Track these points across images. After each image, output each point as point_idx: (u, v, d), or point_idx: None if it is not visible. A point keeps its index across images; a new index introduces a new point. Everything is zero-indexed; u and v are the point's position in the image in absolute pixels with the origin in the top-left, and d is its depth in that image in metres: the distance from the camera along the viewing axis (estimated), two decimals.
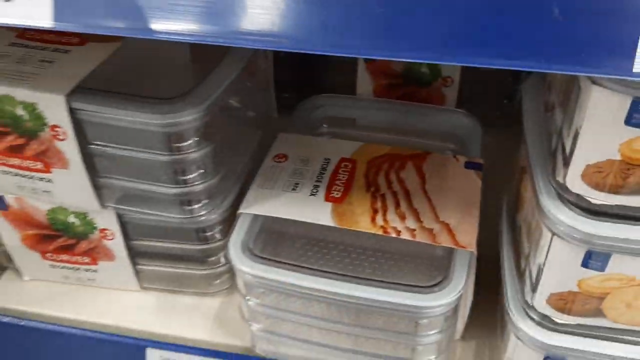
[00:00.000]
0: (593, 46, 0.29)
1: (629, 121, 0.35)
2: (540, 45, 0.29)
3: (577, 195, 0.39)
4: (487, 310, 0.57)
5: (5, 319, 0.62)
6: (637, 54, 0.30)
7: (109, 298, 0.62)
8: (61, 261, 0.62)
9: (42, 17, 0.35)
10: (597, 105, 0.35)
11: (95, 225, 0.57)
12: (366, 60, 0.75)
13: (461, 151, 0.62)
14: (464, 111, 0.67)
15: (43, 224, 0.58)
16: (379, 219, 0.52)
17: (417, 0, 0.30)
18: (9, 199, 0.57)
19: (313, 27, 0.32)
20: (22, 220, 0.59)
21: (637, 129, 0.35)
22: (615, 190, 0.38)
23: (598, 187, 0.38)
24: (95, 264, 0.61)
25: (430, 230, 0.51)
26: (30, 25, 0.36)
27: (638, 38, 0.30)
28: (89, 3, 0.33)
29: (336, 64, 0.77)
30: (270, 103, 0.69)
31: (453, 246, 0.50)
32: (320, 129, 0.68)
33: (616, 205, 0.38)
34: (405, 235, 0.51)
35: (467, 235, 0.51)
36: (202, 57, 0.54)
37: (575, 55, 0.30)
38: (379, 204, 0.54)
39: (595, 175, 0.38)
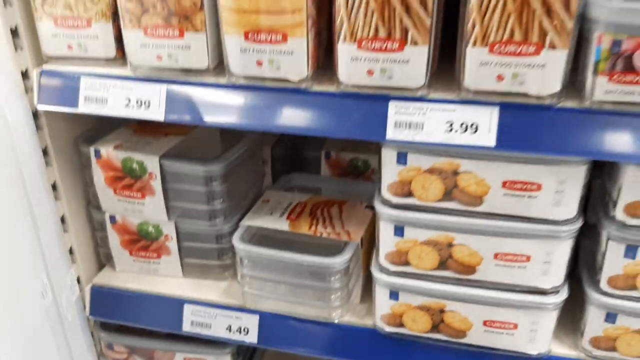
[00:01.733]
0: (366, 125, 0.78)
1: (398, 162, 0.83)
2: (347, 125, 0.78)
3: (386, 199, 0.86)
4: None
5: (106, 290, 1.09)
6: (387, 129, 0.79)
7: (164, 280, 1.09)
8: (140, 257, 1.09)
9: (157, 114, 0.86)
10: (386, 155, 0.84)
11: (163, 232, 1.05)
12: (326, 157, 1.25)
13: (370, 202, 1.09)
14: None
15: (134, 232, 1.07)
16: (313, 228, 0.99)
17: None
18: (118, 217, 1.06)
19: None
20: (123, 230, 1.07)
21: (403, 166, 0.83)
22: (402, 195, 0.85)
23: (395, 195, 0.85)
24: (160, 257, 1.08)
25: (339, 233, 0.98)
26: (149, 118, 0.86)
27: (386, 122, 0.78)
28: (195, 107, 0.84)
29: (308, 160, 1.27)
30: (263, 173, 1.19)
31: (348, 240, 0.96)
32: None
33: (403, 203, 0.85)
34: (325, 235, 0.98)
35: (356, 235, 0.97)
36: (226, 142, 1.05)
37: (356, 130, 0.79)
38: (314, 222, 1.01)
39: (393, 189, 0.85)
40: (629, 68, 0.67)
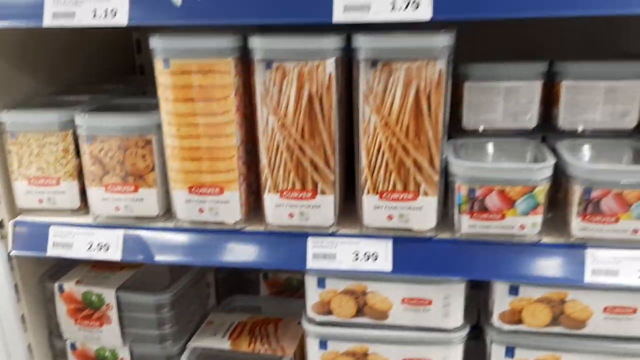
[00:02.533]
0: (291, 257, 0.97)
1: (318, 286, 1.01)
2: None
3: (311, 318, 1.03)
4: None
5: None
6: (307, 259, 0.97)
7: None
8: None
9: (115, 255, 1.02)
10: (308, 281, 1.01)
11: (118, 356, 1.18)
12: (264, 278, 1.42)
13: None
14: None
15: (92, 357, 1.19)
16: (252, 345, 1.14)
17: None
18: (78, 344, 1.18)
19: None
20: (82, 356, 1.19)
21: (322, 289, 1.01)
22: (324, 313, 1.02)
23: (318, 313, 1.02)
24: None
25: (275, 349, 1.14)
26: (108, 259, 1.03)
27: (306, 254, 0.97)
28: (143, 247, 1.01)
29: (249, 281, 1.44)
30: (208, 296, 1.34)
31: (282, 355, 1.12)
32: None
33: (324, 320, 1.02)
34: (262, 351, 1.13)
35: (290, 350, 1.13)
36: (173, 272, 1.21)
37: (283, 261, 0.97)
38: (252, 340, 1.16)
39: (316, 309, 1.02)
40: (483, 208, 0.89)
